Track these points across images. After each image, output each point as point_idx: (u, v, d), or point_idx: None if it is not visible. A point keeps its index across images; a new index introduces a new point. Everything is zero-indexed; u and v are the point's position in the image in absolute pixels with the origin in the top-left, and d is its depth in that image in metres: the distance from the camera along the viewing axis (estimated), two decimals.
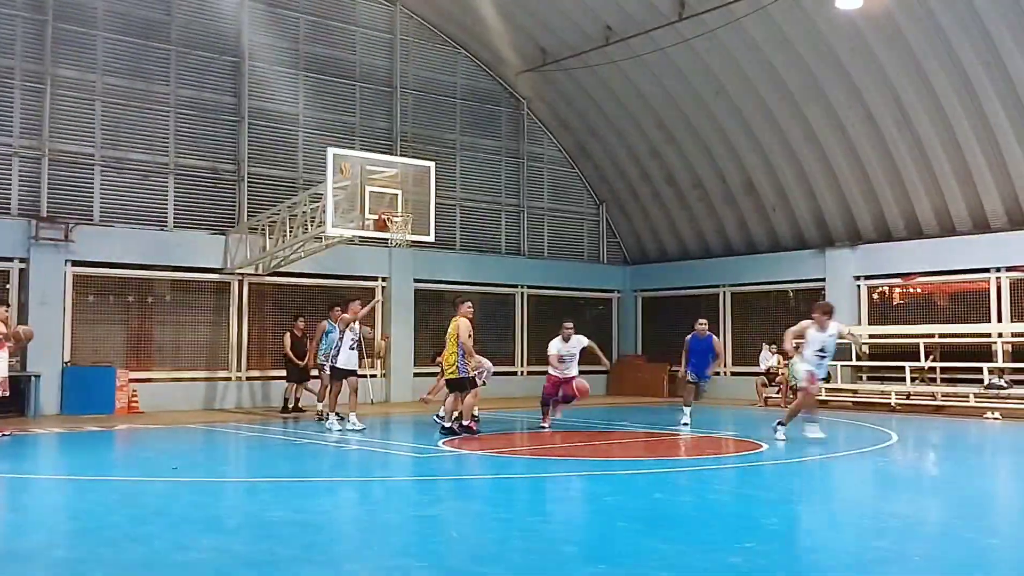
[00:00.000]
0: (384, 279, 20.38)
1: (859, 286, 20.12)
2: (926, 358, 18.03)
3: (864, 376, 19.60)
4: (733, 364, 22.28)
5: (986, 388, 16.75)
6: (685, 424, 13.73)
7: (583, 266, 24.20)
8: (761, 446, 11.46)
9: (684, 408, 14.10)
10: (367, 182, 14.92)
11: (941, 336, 18.05)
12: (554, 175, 23.94)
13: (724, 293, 22.68)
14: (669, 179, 22.83)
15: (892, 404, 17.59)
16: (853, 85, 18.22)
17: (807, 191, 20.59)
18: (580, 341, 13.78)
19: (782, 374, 18.65)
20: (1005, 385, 16.62)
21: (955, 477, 10.02)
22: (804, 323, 12.08)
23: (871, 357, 19.33)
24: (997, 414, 15.99)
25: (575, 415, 15.46)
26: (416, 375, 20.11)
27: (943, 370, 18.19)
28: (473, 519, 7.42)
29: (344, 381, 13.49)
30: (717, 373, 18.16)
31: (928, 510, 7.97)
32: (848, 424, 14.55)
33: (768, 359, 19.63)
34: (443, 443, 11.76)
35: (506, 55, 21.65)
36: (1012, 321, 17.80)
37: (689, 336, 14.61)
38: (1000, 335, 17.72)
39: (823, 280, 20.41)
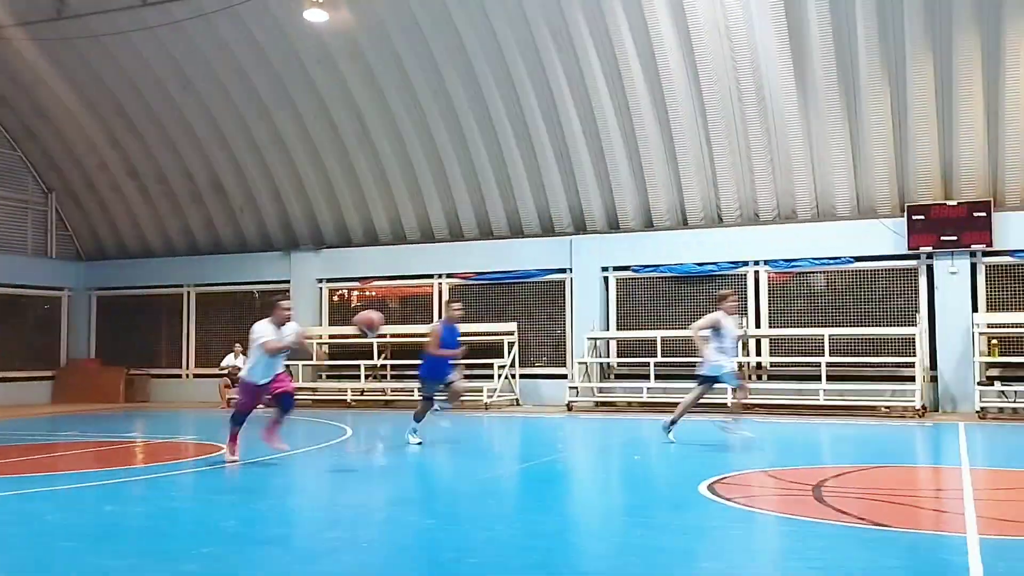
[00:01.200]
0: None
1: (321, 288, 21.08)
2: (378, 357, 19.57)
3: (324, 375, 20.64)
4: (196, 366, 21.91)
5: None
6: (420, 444, 11.59)
7: (27, 260, 21.77)
8: (220, 447, 11.37)
9: (417, 422, 11.74)
10: None
11: (392, 336, 19.68)
12: None
13: (188, 293, 22.15)
14: (131, 172, 21.58)
15: (348, 400, 18.83)
16: (319, 96, 19.03)
17: (274, 194, 20.97)
18: (294, 328, 10.10)
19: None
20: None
21: (400, 466, 11.00)
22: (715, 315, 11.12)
23: (330, 356, 20.36)
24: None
25: (10, 427, 13.81)
26: None
27: (393, 367, 19.89)
28: None
29: None
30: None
31: (377, 498, 8.65)
32: (307, 422, 15.12)
33: (231, 360, 19.56)
34: None
35: None
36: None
37: (440, 323, 11.98)
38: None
39: (288, 281, 20.97)
